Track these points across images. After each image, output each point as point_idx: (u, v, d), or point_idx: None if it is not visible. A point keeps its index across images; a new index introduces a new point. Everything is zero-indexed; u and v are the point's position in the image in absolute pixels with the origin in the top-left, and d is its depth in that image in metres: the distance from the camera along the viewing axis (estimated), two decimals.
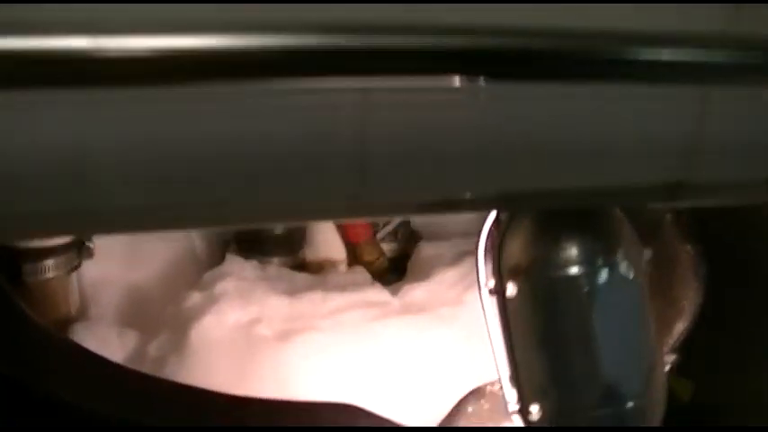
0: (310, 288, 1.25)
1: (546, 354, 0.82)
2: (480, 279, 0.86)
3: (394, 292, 1.27)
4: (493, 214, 0.88)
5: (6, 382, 1.02)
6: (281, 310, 1.20)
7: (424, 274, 1.29)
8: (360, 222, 1.35)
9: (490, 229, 0.89)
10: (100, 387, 1.06)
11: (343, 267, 1.38)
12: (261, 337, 1.16)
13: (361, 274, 1.34)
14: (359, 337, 1.17)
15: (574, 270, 0.81)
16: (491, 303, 0.85)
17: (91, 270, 1.26)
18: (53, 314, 1.21)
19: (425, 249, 1.38)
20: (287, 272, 1.32)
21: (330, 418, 1.02)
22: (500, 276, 0.85)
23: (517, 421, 0.84)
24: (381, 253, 1.39)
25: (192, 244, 1.38)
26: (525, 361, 0.84)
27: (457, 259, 1.32)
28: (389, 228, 1.41)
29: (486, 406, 1.05)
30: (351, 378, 1.14)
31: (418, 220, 1.46)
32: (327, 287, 1.26)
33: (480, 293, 0.87)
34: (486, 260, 0.88)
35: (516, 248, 0.84)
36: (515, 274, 0.83)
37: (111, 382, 1.06)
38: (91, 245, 1.23)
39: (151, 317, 1.25)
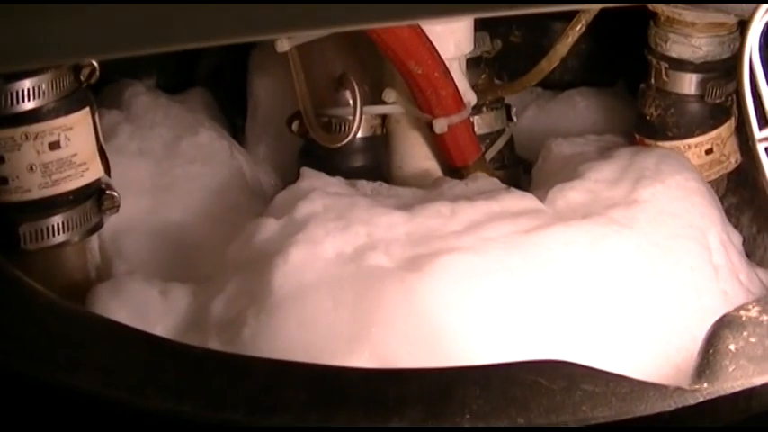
0: (426, 201, 0.90)
1: None
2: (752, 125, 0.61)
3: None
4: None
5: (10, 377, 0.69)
6: (398, 231, 0.85)
7: (565, 175, 0.96)
8: (467, 140, 1.02)
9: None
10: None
11: None
12: (380, 270, 0.82)
13: (486, 179, 0.99)
14: (516, 255, 0.84)
15: None
16: None
17: None
18: (65, 285, 0.87)
19: (559, 146, 1.04)
20: (387, 186, 0.97)
21: (542, 384, 0.67)
22: None
23: None
24: (494, 176, 1.05)
25: (238, 165, 1.05)
26: None
27: (605, 153, 1.00)
28: (494, 151, 1.09)
29: (754, 339, 0.72)
30: (518, 310, 0.82)
31: (523, 143, 1.14)
32: (449, 198, 0.91)
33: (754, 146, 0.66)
34: None
35: None
36: None
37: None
38: (114, 193, 0.89)
39: (198, 265, 0.92)
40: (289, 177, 1.04)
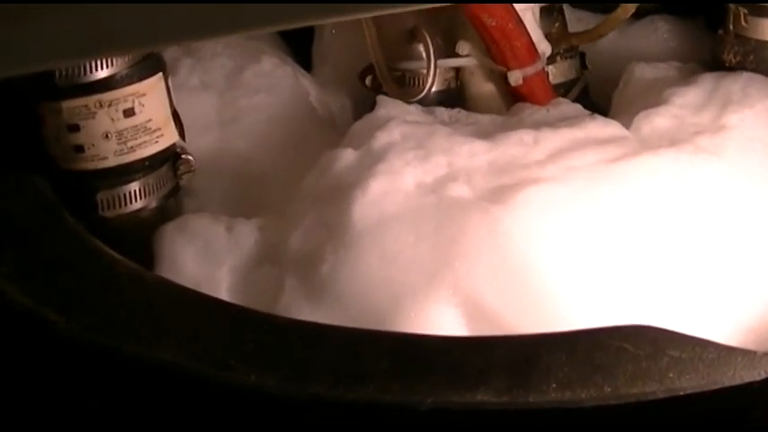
0: (507, 128, 0.87)
1: None
2: None
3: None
4: None
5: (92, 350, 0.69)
6: (480, 160, 0.82)
7: (649, 101, 0.92)
8: (542, 90, 0.99)
9: None
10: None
11: None
12: (462, 201, 0.79)
13: (568, 104, 0.95)
14: (603, 184, 0.81)
15: None
16: None
17: None
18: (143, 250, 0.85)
19: (642, 70, 1.01)
20: (465, 113, 0.94)
21: (627, 349, 0.65)
22: None
23: None
24: None
25: (304, 91, 1.01)
26: None
27: (688, 78, 0.96)
28: (573, 95, 1.05)
29: None
30: (605, 242, 0.78)
31: (603, 65, 1.10)
32: (530, 125, 0.88)
33: None
34: None
35: None
36: None
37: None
38: (190, 157, 0.88)
39: (270, 197, 0.90)
40: (358, 98, 1.03)
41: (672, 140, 0.86)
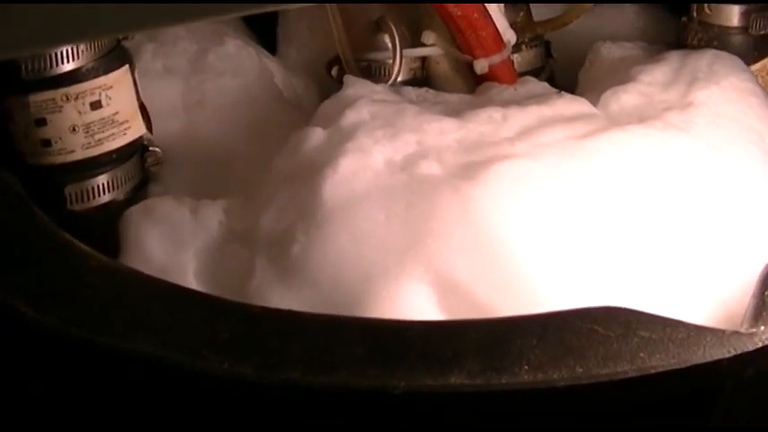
0: (475, 106, 0.86)
1: None
2: None
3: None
4: None
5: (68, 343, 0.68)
6: (449, 138, 0.82)
7: (616, 79, 0.93)
8: (508, 79, 0.98)
9: None
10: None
11: None
12: (432, 179, 0.78)
13: (536, 83, 0.95)
14: (572, 160, 0.80)
15: None
16: None
17: None
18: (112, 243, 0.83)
19: (608, 49, 1.02)
20: (433, 92, 0.94)
21: (598, 331, 0.66)
22: None
23: None
24: None
25: (269, 74, 1.00)
26: None
27: (655, 57, 0.96)
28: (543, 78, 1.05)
29: None
30: (577, 217, 0.78)
31: (571, 45, 1.10)
32: (498, 103, 0.87)
33: None
34: None
35: None
36: None
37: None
38: (157, 149, 0.87)
39: (238, 181, 0.88)
40: (323, 80, 1.02)
41: (640, 117, 0.86)
